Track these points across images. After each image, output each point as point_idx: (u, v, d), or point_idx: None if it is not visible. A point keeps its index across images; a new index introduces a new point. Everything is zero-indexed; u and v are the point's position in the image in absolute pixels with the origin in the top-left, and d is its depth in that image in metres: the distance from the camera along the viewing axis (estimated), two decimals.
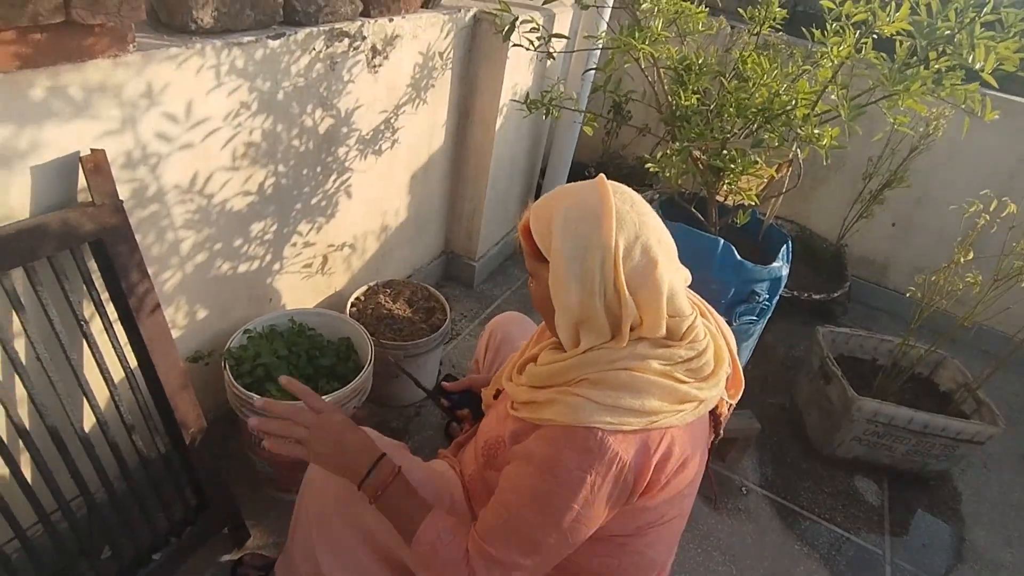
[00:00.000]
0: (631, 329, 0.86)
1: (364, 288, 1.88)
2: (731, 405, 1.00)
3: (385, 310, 1.82)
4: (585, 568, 0.94)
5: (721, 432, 1.01)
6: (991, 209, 1.71)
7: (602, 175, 0.90)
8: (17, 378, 1.03)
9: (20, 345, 1.06)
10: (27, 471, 1.07)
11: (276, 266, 1.62)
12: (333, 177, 1.66)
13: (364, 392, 1.51)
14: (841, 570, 1.69)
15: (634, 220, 0.84)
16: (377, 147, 1.78)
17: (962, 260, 1.71)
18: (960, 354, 2.12)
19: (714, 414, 0.99)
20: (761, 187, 1.61)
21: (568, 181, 2.62)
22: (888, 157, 2.51)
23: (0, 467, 1.07)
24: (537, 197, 2.79)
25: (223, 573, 1.39)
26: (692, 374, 0.87)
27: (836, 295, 2.62)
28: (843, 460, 2.02)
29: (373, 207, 1.89)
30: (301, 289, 1.75)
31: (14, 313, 1.01)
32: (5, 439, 1.02)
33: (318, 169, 1.60)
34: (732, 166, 1.48)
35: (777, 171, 1.59)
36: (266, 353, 1.43)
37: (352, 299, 1.83)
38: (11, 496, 1.05)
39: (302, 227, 1.64)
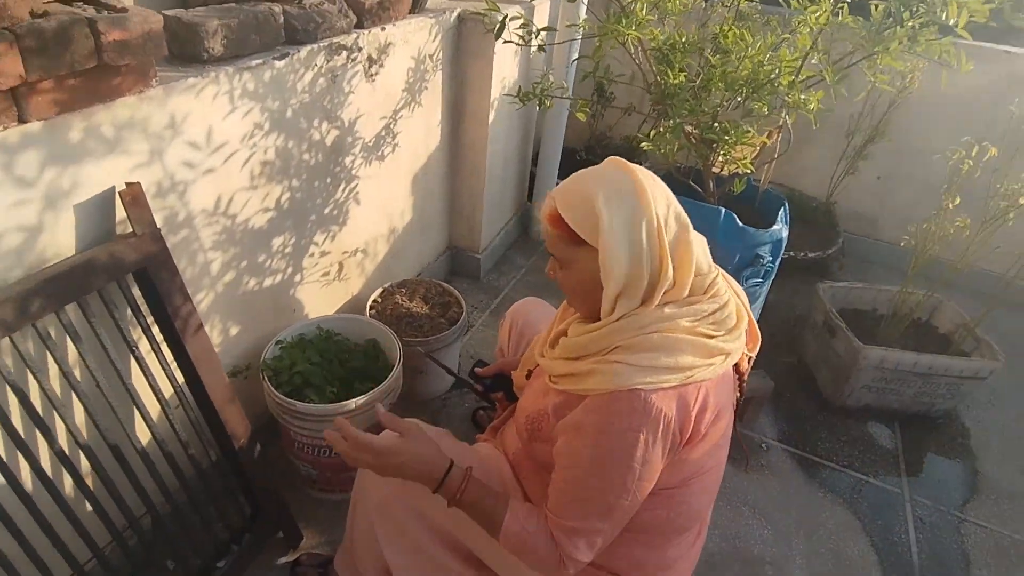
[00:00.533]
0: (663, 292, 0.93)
1: (380, 290, 1.94)
2: (751, 358, 1.07)
3: (404, 309, 1.88)
4: (636, 521, 1.00)
5: (744, 386, 1.07)
6: (973, 154, 1.78)
7: (614, 157, 0.96)
8: (80, 405, 1.09)
9: (80, 375, 1.11)
10: (97, 492, 1.13)
11: (297, 277, 1.67)
12: (342, 186, 1.72)
13: (396, 390, 1.57)
14: (864, 512, 1.78)
15: (662, 191, 0.92)
16: (380, 153, 1.83)
17: (951, 206, 1.79)
18: (955, 297, 2.20)
19: (736, 368, 1.05)
20: (754, 155, 1.68)
21: (560, 167, 2.69)
22: (868, 114, 2.59)
23: (75, 491, 1.13)
24: (532, 187, 2.86)
25: (284, 574, 1.46)
26: (718, 327, 0.93)
27: (831, 252, 2.70)
28: (855, 409, 2.11)
29: (380, 211, 1.95)
30: (321, 297, 1.81)
31: (71, 344, 1.07)
32: (78, 466, 1.08)
33: (328, 180, 1.65)
34: (726, 137, 1.55)
35: (768, 138, 1.65)
36: (300, 361, 1.49)
37: (370, 302, 1.89)
38: (85, 517, 1.11)
39: (318, 237, 1.69)
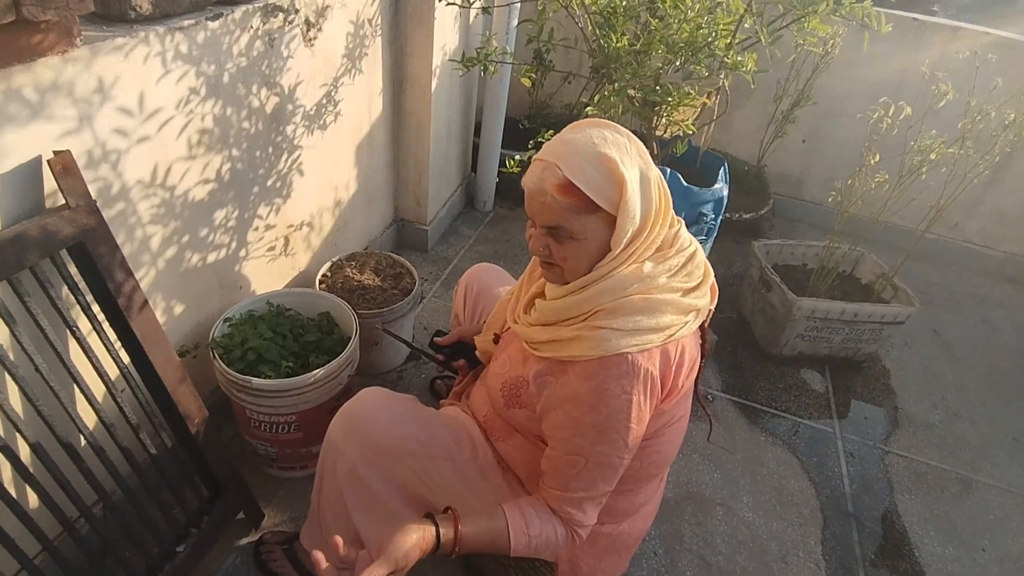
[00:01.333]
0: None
1: (329, 264, 1.90)
2: (710, 311, 1.12)
3: (355, 282, 1.85)
4: None
5: (708, 336, 1.12)
6: (890, 113, 1.91)
7: (589, 119, 0.97)
8: (19, 391, 1.02)
9: (16, 358, 1.04)
10: (44, 482, 1.06)
11: (242, 252, 1.61)
12: (284, 156, 1.66)
13: (354, 362, 1.55)
14: (802, 450, 1.92)
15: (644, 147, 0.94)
16: (321, 122, 1.77)
17: (872, 162, 1.91)
18: (874, 250, 2.37)
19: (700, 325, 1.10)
20: (695, 116, 1.73)
21: (504, 136, 2.68)
22: (794, 79, 2.71)
23: (18, 482, 1.07)
24: (475, 157, 2.84)
25: (247, 555, 1.43)
26: (689, 278, 0.97)
27: (763, 212, 2.84)
28: (789, 357, 2.25)
29: (325, 183, 1.89)
30: (268, 273, 1.75)
31: (4, 325, 1.00)
32: (19, 454, 1.02)
33: (269, 150, 1.59)
34: (668, 99, 1.59)
35: (708, 99, 1.71)
36: (252, 337, 1.45)
37: (320, 276, 1.84)
38: (33, 510, 1.05)
39: (261, 210, 1.63)
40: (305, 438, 1.51)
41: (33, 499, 1.08)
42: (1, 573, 1.00)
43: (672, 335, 0.92)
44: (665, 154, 1.86)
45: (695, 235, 1.81)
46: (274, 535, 1.45)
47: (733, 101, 2.92)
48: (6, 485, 1.03)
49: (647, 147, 1.98)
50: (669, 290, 0.94)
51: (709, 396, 2.07)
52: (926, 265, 2.92)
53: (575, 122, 0.97)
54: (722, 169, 1.87)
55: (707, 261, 1.07)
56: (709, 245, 1.93)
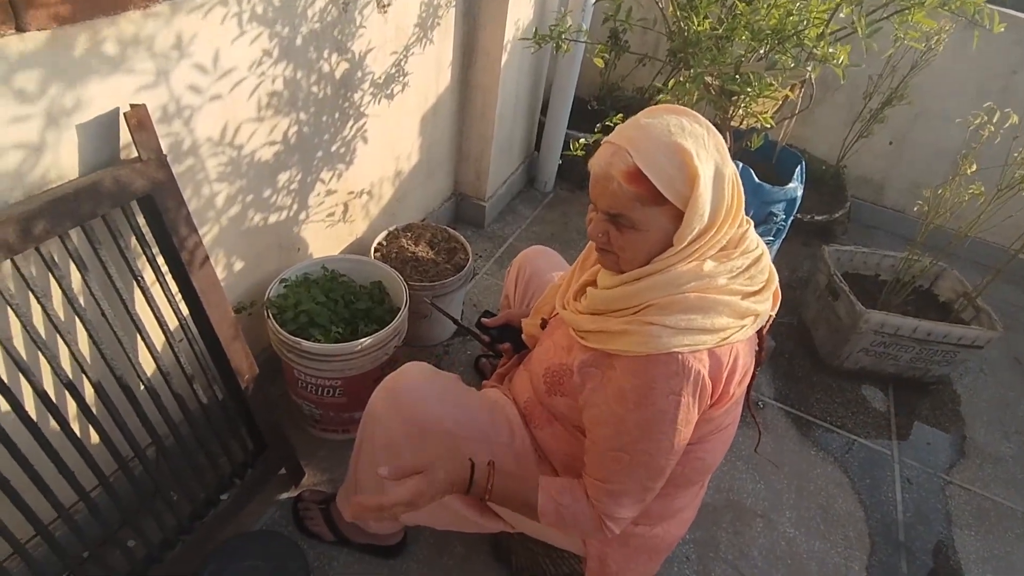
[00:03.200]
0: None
1: (385, 233, 1.91)
2: (771, 317, 1.06)
3: (409, 253, 1.86)
4: None
5: (765, 343, 1.06)
6: (994, 121, 1.75)
7: (665, 104, 0.91)
8: (85, 332, 1.07)
9: (85, 302, 1.09)
10: (103, 420, 1.12)
11: (302, 215, 1.64)
12: (350, 123, 1.66)
13: (402, 332, 1.56)
14: (854, 470, 1.82)
15: (723, 141, 0.89)
16: (389, 90, 1.77)
17: (968, 171, 1.76)
18: (957, 266, 2.21)
19: (758, 331, 1.04)
20: (775, 109, 1.63)
21: (571, 117, 2.62)
22: (888, 76, 2.53)
23: (80, 419, 1.12)
24: (540, 136, 2.79)
25: (286, 510, 1.48)
26: (751, 282, 0.92)
27: (837, 216, 2.69)
28: (850, 371, 2.13)
29: (387, 152, 1.89)
30: (325, 237, 1.78)
31: (75, 271, 1.04)
32: (83, 393, 1.07)
33: (336, 115, 1.59)
34: (748, 89, 1.50)
35: (791, 91, 1.61)
36: (305, 300, 1.47)
37: (375, 244, 1.86)
38: (93, 446, 1.11)
39: (324, 175, 1.65)
40: (348, 403, 1.53)
41: (94, 437, 1.13)
42: (61, 504, 1.06)
43: (726, 338, 0.87)
44: (739, 147, 1.77)
45: (762, 235, 1.72)
46: (312, 494, 1.49)
47: (818, 95, 2.76)
48: (70, 421, 1.09)
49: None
50: (728, 292, 0.89)
51: (760, 403, 1.99)
52: (1015, 288, 2.71)
53: (652, 106, 0.92)
54: (799, 168, 1.77)
55: (772, 265, 1.01)
56: (776, 247, 1.84)
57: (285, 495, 1.51)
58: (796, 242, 2.73)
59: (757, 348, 1.06)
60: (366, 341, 1.42)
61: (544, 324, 1.22)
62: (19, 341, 1.03)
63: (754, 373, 1.05)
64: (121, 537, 1.23)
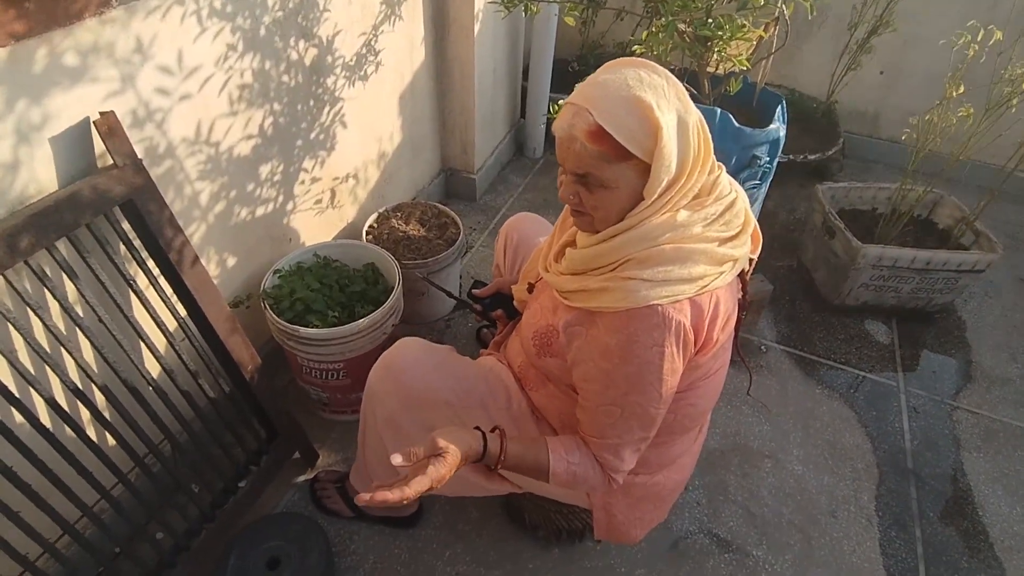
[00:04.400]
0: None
1: (375, 215, 1.92)
2: (752, 260, 1.07)
3: (400, 232, 1.87)
4: None
5: (748, 286, 1.07)
6: (979, 39, 1.71)
7: (622, 58, 0.90)
8: (87, 342, 1.10)
9: (80, 310, 1.12)
10: (116, 424, 1.16)
11: (289, 205, 1.65)
12: (326, 109, 1.66)
13: (398, 311, 1.58)
14: (860, 404, 1.84)
15: (683, 89, 0.88)
16: (362, 72, 1.76)
17: (954, 94, 1.73)
18: (955, 191, 2.18)
19: (740, 274, 1.05)
20: (750, 51, 1.61)
21: (552, 79, 2.59)
22: (872, 3, 2.46)
23: (92, 423, 1.17)
24: (524, 102, 2.77)
25: (303, 491, 1.53)
26: (727, 227, 0.92)
27: (831, 153, 2.65)
28: (852, 308, 2.13)
29: (368, 134, 1.90)
30: (316, 225, 1.80)
31: (68, 281, 1.07)
32: (91, 398, 1.11)
33: (311, 103, 1.60)
34: (720, 33, 1.47)
35: (765, 31, 1.58)
36: (300, 288, 1.50)
37: (366, 227, 1.88)
38: (108, 448, 1.16)
39: (306, 163, 1.66)
40: (353, 384, 1.57)
41: (109, 439, 1.18)
42: (84, 503, 1.11)
43: (705, 286, 0.88)
44: (717, 93, 1.75)
45: (748, 179, 1.72)
46: (328, 474, 1.54)
47: (801, 31, 2.71)
48: (84, 426, 1.14)
49: (698, 86, 1.87)
50: (704, 240, 0.90)
51: (762, 347, 2.00)
52: (1015, 207, 2.66)
53: (610, 61, 0.92)
54: (779, 107, 1.74)
55: (748, 208, 1.01)
56: (764, 190, 1.82)
57: (302, 478, 1.56)
58: (792, 184, 2.71)
59: (741, 292, 1.07)
60: (362, 322, 1.45)
61: (531, 288, 1.23)
62: (23, 355, 1.07)
63: (739, 317, 1.06)
64: (149, 532, 1.28)
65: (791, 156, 2.55)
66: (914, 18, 2.52)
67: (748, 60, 1.56)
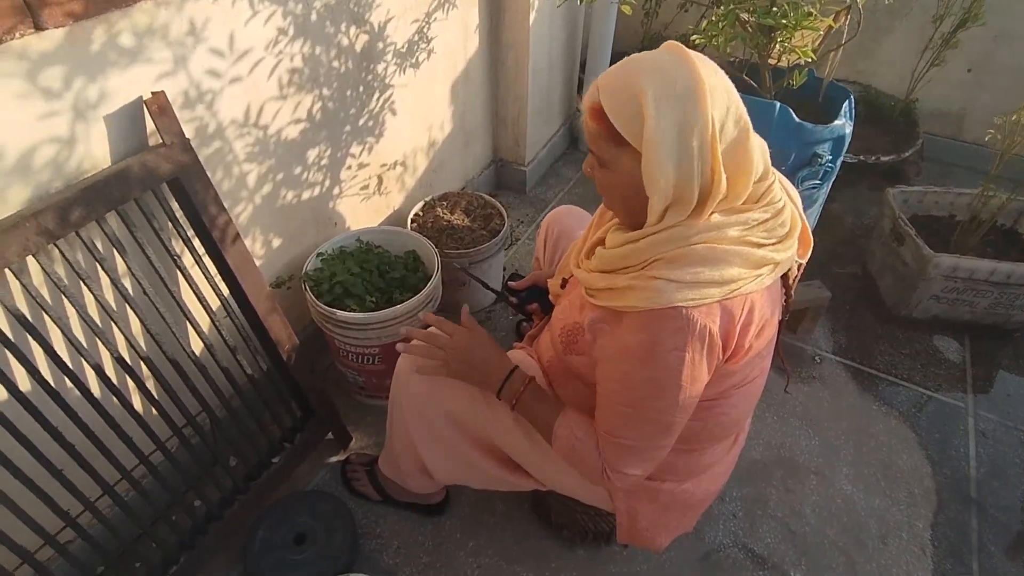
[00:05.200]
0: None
1: (421, 203, 1.93)
2: (801, 265, 1.00)
3: (444, 222, 1.87)
4: None
5: (793, 293, 1.01)
6: None
7: (673, 41, 0.84)
8: (132, 313, 1.15)
9: (127, 283, 1.17)
10: (156, 394, 1.21)
11: (335, 190, 1.68)
12: (376, 95, 1.68)
13: (435, 299, 1.58)
14: (921, 425, 1.71)
15: (722, 88, 0.80)
16: (414, 59, 1.77)
17: None
18: None
19: (784, 276, 0.98)
20: (817, 42, 1.51)
21: None
22: None
23: (136, 393, 1.22)
24: (580, 93, 2.72)
25: (334, 471, 1.55)
26: (769, 235, 0.86)
27: (907, 155, 2.47)
28: (920, 321, 1.99)
29: (419, 122, 1.90)
30: (362, 211, 1.82)
31: (117, 255, 1.11)
32: (133, 367, 1.15)
33: (360, 89, 1.61)
34: (784, 22, 1.39)
35: (835, 20, 1.48)
36: (340, 272, 1.52)
37: (411, 215, 1.88)
38: (148, 416, 1.20)
39: (354, 149, 1.68)
40: (388, 370, 1.56)
41: (151, 410, 1.22)
42: (123, 467, 1.16)
43: (736, 289, 0.83)
44: (779, 87, 1.65)
45: (807, 179, 1.62)
46: (359, 457, 1.56)
47: (881, 24, 2.54)
48: (128, 395, 1.19)
49: (758, 79, 1.77)
50: (740, 243, 0.84)
51: (816, 358, 1.89)
52: None
53: (670, 42, 0.87)
54: (847, 103, 1.63)
55: (798, 210, 0.95)
56: (825, 190, 1.71)
57: (334, 458, 1.58)
58: (862, 187, 2.55)
59: (785, 297, 1.00)
60: (399, 308, 1.45)
61: (564, 284, 1.20)
62: (75, 324, 1.12)
63: (781, 323, 1.00)
64: (186, 500, 1.33)
65: (862, 157, 2.39)
66: (1006, 11, 2.32)
67: (814, 52, 1.47)
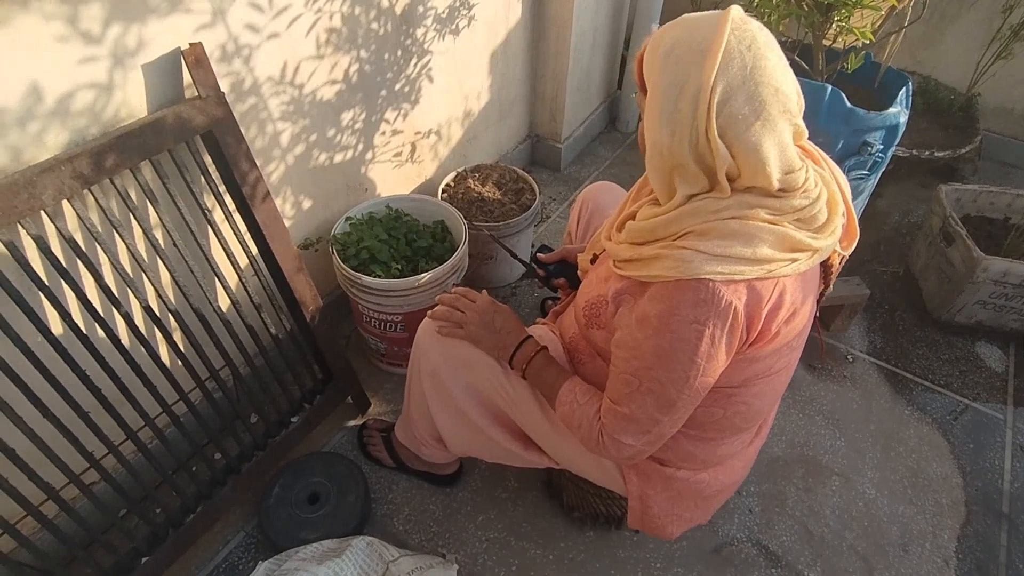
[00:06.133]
0: (732, 180, 0.82)
1: (453, 174, 1.91)
2: (843, 257, 0.95)
3: (475, 193, 1.85)
4: (690, 417, 0.96)
5: (831, 284, 0.96)
6: None
7: (734, 6, 0.80)
8: (161, 264, 1.16)
9: (158, 234, 1.18)
10: (181, 345, 1.22)
11: (368, 155, 1.67)
12: (414, 61, 1.65)
13: (461, 270, 1.57)
14: (956, 434, 1.64)
15: (746, 63, 0.75)
16: (454, 26, 1.73)
17: None
18: None
19: (825, 265, 0.94)
20: (878, 23, 1.43)
21: None
22: None
23: (161, 342, 1.24)
24: (622, 73, 2.65)
25: (351, 435, 1.57)
26: (804, 224, 0.82)
27: (964, 152, 2.35)
28: (963, 326, 1.90)
29: (455, 91, 1.87)
30: (393, 178, 1.81)
31: (149, 205, 1.12)
32: (160, 317, 1.17)
33: (399, 53, 1.59)
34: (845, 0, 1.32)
35: (898, 0, 1.40)
36: (368, 237, 1.51)
37: (443, 185, 1.87)
38: (173, 366, 1.22)
39: (389, 115, 1.66)
40: (410, 338, 1.55)
41: (172, 357, 1.24)
42: (147, 414, 1.18)
43: (770, 271, 0.79)
44: (832, 69, 1.57)
45: (855, 168, 1.55)
46: (376, 422, 1.57)
47: (947, 12, 2.40)
48: (155, 345, 1.20)
49: (812, 61, 1.68)
50: (774, 224, 0.81)
51: (849, 357, 1.83)
52: None
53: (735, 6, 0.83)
54: (904, 90, 1.55)
55: (845, 197, 0.90)
56: (873, 181, 1.63)
57: (352, 422, 1.60)
58: (911, 183, 2.44)
59: (821, 286, 0.96)
60: (424, 277, 1.44)
61: (595, 260, 1.17)
62: (108, 272, 1.14)
63: (816, 312, 0.96)
64: (207, 452, 1.36)
65: (915, 151, 2.28)
66: None
67: (873, 33, 1.39)
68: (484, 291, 1.19)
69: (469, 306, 1.12)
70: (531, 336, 1.09)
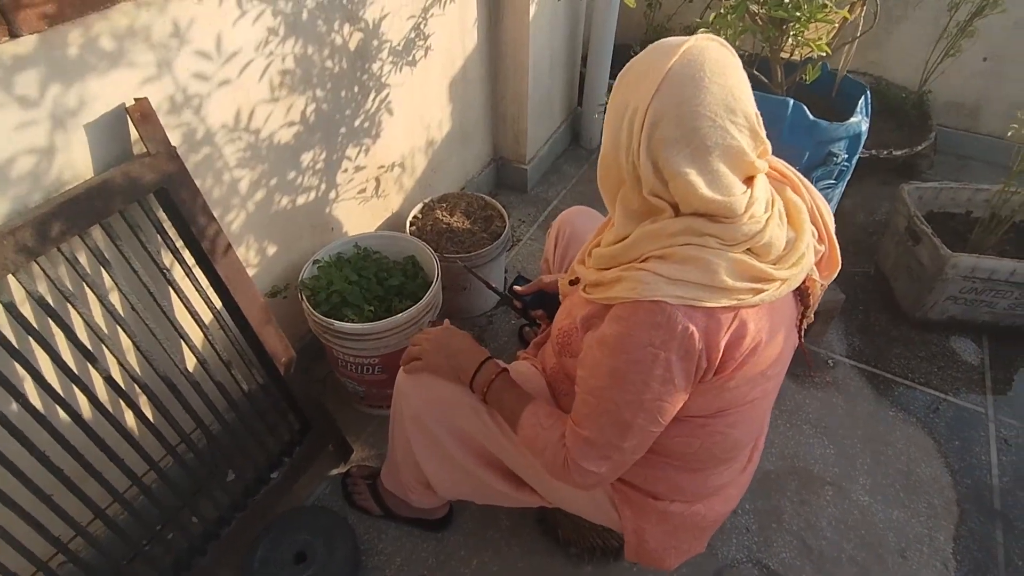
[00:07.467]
0: (672, 204, 0.81)
1: (420, 206, 1.87)
2: (823, 285, 0.95)
3: (444, 224, 1.82)
4: (666, 447, 0.94)
5: (810, 311, 0.95)
6: None
7: (708, 36, 0.80)
8: (120, 330, 1.10)
9: (115, 299, 1.12)
10: (148, 413, 1.16)
11: (332, 194, 1.62)
12: (372, 95, 1.62)
13: (436, 307, 1.53)
14: (941, 432, 1.66)
15: (684, 90, 0.74)
16: (410, 57, 1.71)
17: None
18: None
19: (801, 290, 0.93)
20: (832, 34, 1.44)
21: (612, 66, 2.46)
22: None
23: (125, 411, 1.17)
24: (582, 89, 2.65)
25: (335, 485, 1.51)
26: (758, 255, 0.81)
27: (920, 148, 2.41)
28: (937, 322, 1.93)
29: (416, 121, 1.85)
30: (359, 215, 1.76)
31: (103, 270, 1.06)
32: (123, 386, 1.11)
33: (355, 89, 1.55)
34: (797, 14, 1.33)
35: (850, 12, 1.41)
36: (337, 280, 1.47)
37: (410, 218, 1.83)
38: (140, 435, 1.16)
39: (350, 151, 1.62)
40: (389, 379, 1.53)
41: (141, 428, 1.18)
42: (115, 490, 1.11)
43: (740, 301, 0.78)
44: (792, 82, 1.59)
45: (822, 178, 1.56)
46: (360, 469, 1.52)
47: (893, 12, 2.46)
48: (118, 415, 1.14)
49: (769, 74, 1.70)
50: (729, 252, 0.80)
51: (830, 362, 1.84)
52: None
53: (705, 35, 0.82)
54: (863, 98, 1.57)
55: (824, 225, 0.90)
56: (840, 190, 1.65)
57: (335, 471, 1.54)
58: (873, 182, 2.48)
59: (799, 316, 0.95)
60: (398, 318, 1.40)
61: (576, 282, 1.15)
62: (63, 346, 1.07)
63: (800, 337, 0.95)
64: (181, 519, 1.29)
65: (874, 152, 2.32)
66: None
67: (829, 45, 1.40)
68: (446, 320, 1.18)
69: (423, 337, 1.12)
70: (491, 358, 1.07)
